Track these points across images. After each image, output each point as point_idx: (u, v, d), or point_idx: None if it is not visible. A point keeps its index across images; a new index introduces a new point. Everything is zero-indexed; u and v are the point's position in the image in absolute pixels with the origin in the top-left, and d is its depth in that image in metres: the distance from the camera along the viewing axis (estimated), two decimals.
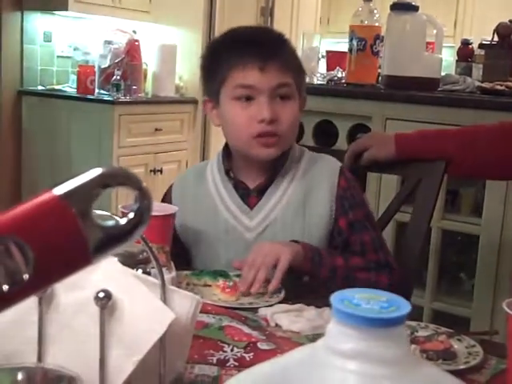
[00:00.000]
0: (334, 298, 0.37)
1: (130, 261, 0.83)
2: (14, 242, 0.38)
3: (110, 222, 0.43)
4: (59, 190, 0.41)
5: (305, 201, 1.28)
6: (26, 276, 0.40)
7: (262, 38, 1.29)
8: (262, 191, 1.30)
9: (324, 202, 1.28)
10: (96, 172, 0.43)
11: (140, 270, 0.81)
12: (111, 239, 0.42)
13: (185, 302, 0.75)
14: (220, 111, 1.30)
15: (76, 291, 0.72)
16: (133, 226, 0.43)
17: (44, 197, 0.40)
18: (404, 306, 0.37)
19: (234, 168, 1.33)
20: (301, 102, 1.31)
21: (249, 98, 1.24)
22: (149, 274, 0.80)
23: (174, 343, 0.74)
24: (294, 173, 1.31)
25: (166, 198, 1.40)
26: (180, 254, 1.28)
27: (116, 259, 0.80)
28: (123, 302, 0.71)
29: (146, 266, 0.84)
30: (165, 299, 0.73)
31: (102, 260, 0.44)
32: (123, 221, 0.43)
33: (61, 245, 0.40)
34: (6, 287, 0.40)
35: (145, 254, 0.84)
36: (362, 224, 1.29)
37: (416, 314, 1.96)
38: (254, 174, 1.31)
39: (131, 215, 0.43)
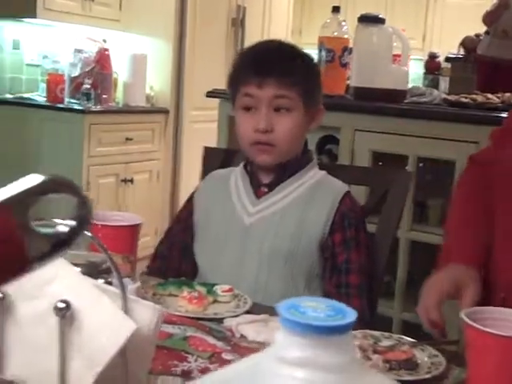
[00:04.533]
0: (281, 306, 0.37)
1: (92, 271, 0.83)
2: None
3: (50, 230, 0.43)
4: None
5: (306, 205, 1.37)
6: None
7: (264, 58, 1.40)
8: (271, 187, 1.41)
9: (322, 212, 1.36)
10: (38, 179, 0.43)
11: (102, 280, 0.81)
12: (51, 247, 0.42)
13: (147, 312, 0.75)
14: (235, 118, 1.45)
15: (35, 302, 0.71)
16: (73, 234, 0.43)
17: None
18: (350, 315, 0.37)
19: (253, 165, 1.44)
20: (313, 115, 1.41)
21: (250, 109, 1.37)
22: (110, 283, 0.80)
23: (135, 354, 0.73)
24: (307, 181, 1.41)
25: (190, 200, 1.50)
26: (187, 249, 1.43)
27: (78, 269, 0.79)
28: (83, 313, 0.71)
29: (109, 275, 0.83)
30: (126, 309, 0.72)
31: (43, 267, 0.43)
32: (63, 228, 0.43)
33: None
34: None
35: (108, 263, 0.84)
36: (355, 245, 1.36)
37: (385, 325, 1.98)
38: (266, 172, 1.42)
39: (71, 222, 0.43)
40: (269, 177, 1.42)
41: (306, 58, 1.43)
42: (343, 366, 0.36)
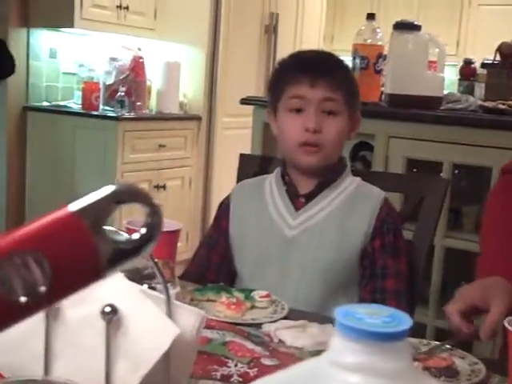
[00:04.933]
0: (338, 312, 0.38)
1: (136, 276, 0.84)
2: (32, 256, 0.40)
3: (122, 237, 0.44)
4: (74, 206, 0.43)
5: (346, 215, 1.38)
6: (42, 289, 0.41)
7: (316, 60, 1.45)
8: (309, 198, 1.41)
9: (364, 221, 1.37)
10: (109, 189, 0.44)
11: (145, 285, 0.82)
12: (123, 254, 0.44)
13: (190, 317, 0.76)
14: (277, 122, 1.45)
15: (82, 306, 0.73)
16: (144, 242, 0.44)
17: (60, 213, 0.42)
18: (406, 321, 0.38)
19: (288, 176, 1.45)
20: (353, 122, 1.42)
21: (300, 110, 1.38)
22: (154, 289, 0.81)
23: (178, 358, 0.74)
24: (344, 189, 1.42)
25: (223, 205, 1.51)
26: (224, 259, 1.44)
27: (122, 275, 0.81)
28: (129, 317, 0.72)
29: (151, 281, 0.85)
30: (170, 314, 0.74)
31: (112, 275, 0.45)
32: (135, 236, 0.45)
33: (75, 259, 0.41)
34: (23, 299, 0.41)
35: (150, 269, 0.85)
36: (393, 250, 1.37)
37: (419, 332, 1.96)
38: (304, 182, 1.42)
39: (143, 231, 0.45)
40: (307, 187, 1.41)
41: (347, 65, 1.48)
42: (399, 372, 0.36)
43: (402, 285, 1.35)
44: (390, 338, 0.36)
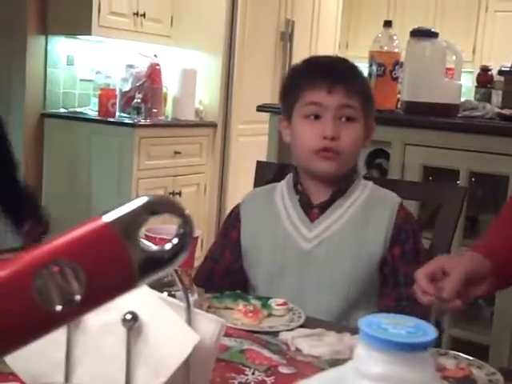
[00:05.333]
0: (363, 322, 0.38)
1: (156, 283, 0.85)
2: (68, 265, 0.41)
3: (155, 248, 0.45)
4: (108, 217, 0.44)
5: (363, 224, 1.36)
6: (77, 297, 0.42)
7: (333, 65, 1.43)
8: (323, 208, 1.38)
9: (381, 229, 1.34)
10: (143, 200, 0.45)
11: (165, 293, 0.83)
12: (156, 263, 0.44)
13: (209, 325, 0.76)
14: (291, 128, 1.41)
15: (103, 314, 0.73)
16: (176, 251, 0.45)
17: (94, 223, 0.43)
18: (430, 332, 0.38)
19: (301, 185, 1.42)
20: (367, 129, 1.40)
21: (317, 117, 1.36)
22: (174, 296, 0.82)
23: (197, 366, 0.75)
24: (357, 197, 1.39)
25: (233, 217, 1.48)
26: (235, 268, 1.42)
27: None
28: (149, 324, 0.73)
29: (171, 288, 0.85)
30: (190, 322, 0.74)
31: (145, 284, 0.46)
32: (168, 246, 0.45)
33: (110, 269, 0.42)
34: (59, 307, 0.42)
35: (170, 276, 0.86)
36: (414, 256, 1.34)
37: (435, 341, 1.95)
38: (318, 191, 1.39)
39: (175, 241, 0.45)
40: (321, 196, 1.38)
41: (361, 71, 1.45)
42: (422, 382, 0.36)
43: None
44: (414, 348, 0.37)
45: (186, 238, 0.45)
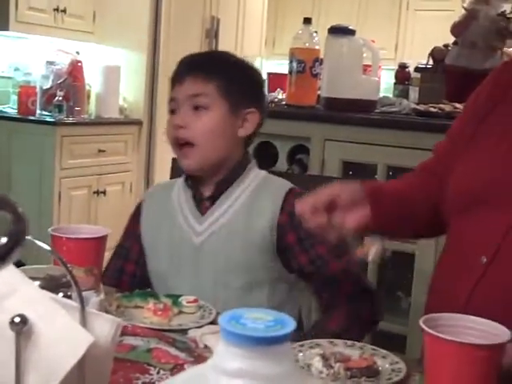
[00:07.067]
0: (223, 318, 0.38)
1: (52, 284, 0.83)
2: None
3: None
4: None
5: (249, 211, 1.33)
6: None
7: (193, 59, 1.42)
8: (214, 199, 1.36)
9: (266, 213, 1.31)
10: None
11: (61, 294, 0.80)
12: None
13: (105, 325, 0.74)
14: None
15: None
16: (8, 250, 0.43)
17: None
18: (289, 325, 0.37)
19: (193, 178, 1.40)
20: (242, 118, 1.35)
21: (173, 111, 1.37)
22: (70, 297, 0.79)
23: (93, 367, 0.73)
24: (248, 186, 1.36)
25: (136, 212, 1.46)
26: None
27: (36, 283, 0.79)
28: (40, 327, 0.70)
29: (69, 289, 0.83)
30: (84, 323, 0.72)
31: None
32: None
33: None
34: None
35: (68, 277, 0.83)
36: (311, 239, 1.29)
37: (400, 342, 1.99)
38: (204, 184, 1.38)
39: (4, 240, 0.43)
40: (208, 188, 1.37)
41: (234, 59, 1.42)
42: (280, 376, 0.36)
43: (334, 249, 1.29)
44: (269, 342, 0.36)
45: (19, 235, 0.43)
